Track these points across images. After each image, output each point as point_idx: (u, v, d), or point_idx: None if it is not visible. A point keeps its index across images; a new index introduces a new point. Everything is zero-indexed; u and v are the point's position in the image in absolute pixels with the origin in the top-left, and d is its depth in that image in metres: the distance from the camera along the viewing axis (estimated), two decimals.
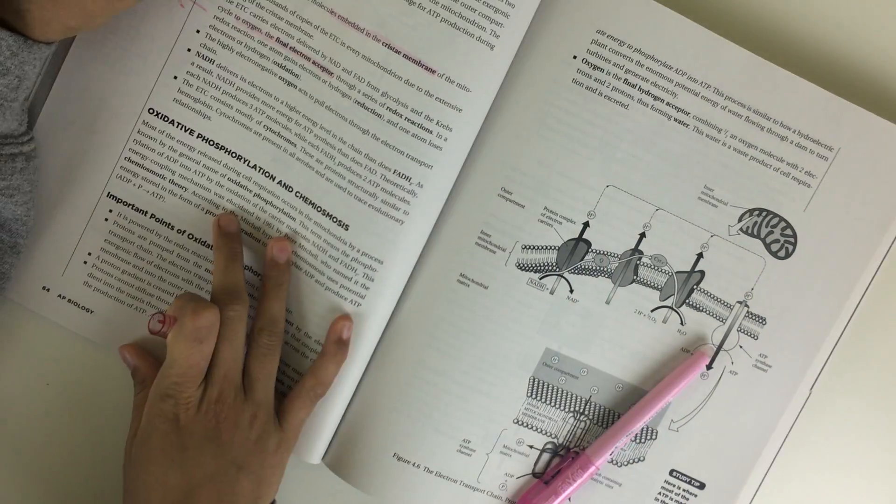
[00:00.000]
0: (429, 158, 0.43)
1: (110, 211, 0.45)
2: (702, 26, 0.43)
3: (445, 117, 0.42)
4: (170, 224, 0.45)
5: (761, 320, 0.46)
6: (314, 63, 0.43)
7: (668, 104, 0.43)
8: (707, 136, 0.44)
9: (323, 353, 0.43)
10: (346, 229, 0.43)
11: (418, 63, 0.42)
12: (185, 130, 0.44)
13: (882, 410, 0.48)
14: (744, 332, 0.46)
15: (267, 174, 0.44)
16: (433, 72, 0.42)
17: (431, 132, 0.42)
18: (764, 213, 0.45)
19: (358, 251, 0.44)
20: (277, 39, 0.43)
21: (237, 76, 0.43)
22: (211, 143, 0.44)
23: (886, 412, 0.48)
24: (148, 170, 0.45)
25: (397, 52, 0.42)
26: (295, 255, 0.44)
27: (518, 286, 0.45)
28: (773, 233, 0.45)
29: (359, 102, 0.42)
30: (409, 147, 0.42)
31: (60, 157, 0.44)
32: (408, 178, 0.43)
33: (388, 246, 0.43)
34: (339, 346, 0.43)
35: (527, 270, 0.45)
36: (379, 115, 0.42)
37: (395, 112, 0.42)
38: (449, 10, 0.41)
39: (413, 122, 0.42)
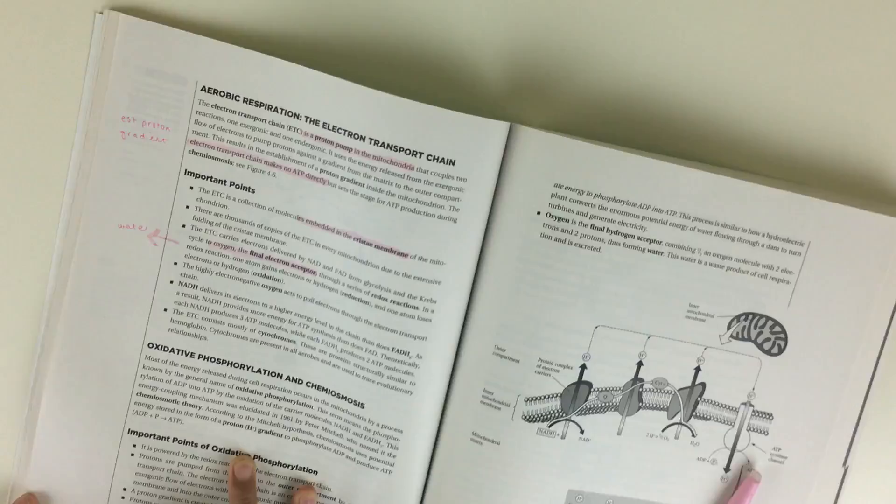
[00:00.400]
0: (421, 332, 0.44)
1: (134, 445, 0.47)
2: (653, 158, 0.44)
3: (427, 292, 0.44)
4: (192, 442, 0.47)
5: (768, 416, 0.47)
6: (293, 266, 0.44)
7: (639, 238, 0.44)
8: (682, 258, 0.45)
9: None
10: (363, 407, 0.46)
11: (390, 250, 0.43)
12: (186, 354, 0.46)
13: None
14: (754, 430, 0.47)
15: (273, 374, 0.46)
16: (405, 255, 0.43)
17: (417, 308, 0.44)
18: (751, 317, 0.46)
19: (378, 425, 0.46)
20: (252, 252, 0.44)
21: (222, 294, 0.45)
22: (212, 360, 0.46)
23: None
24: (160, 399, 0.46)
25: (369, 244, 0.44)
26: (322, 437, 0.46)
27: (529, 437, 0.45)
28: (762, 333, 0.46)
29: (345, 294, 0.44)
30: (401, 325, 0.44)
31: (79, 408, 0.46)
32: (406, 353, 0.44)
33: (403, 416, 0.45)
34: None
35: (534, 421, 0.45)
36: (366, 303, 0.44)
37: (380, 297, 0.44)
38: (406, 198, 0.43)
39: (398, 303, 0.44)
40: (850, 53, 0.46)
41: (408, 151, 0.42)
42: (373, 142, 0.43)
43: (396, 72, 0.45)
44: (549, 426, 0.46)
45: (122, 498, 0.47)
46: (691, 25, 0.45)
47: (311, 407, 0.46)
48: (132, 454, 0.47)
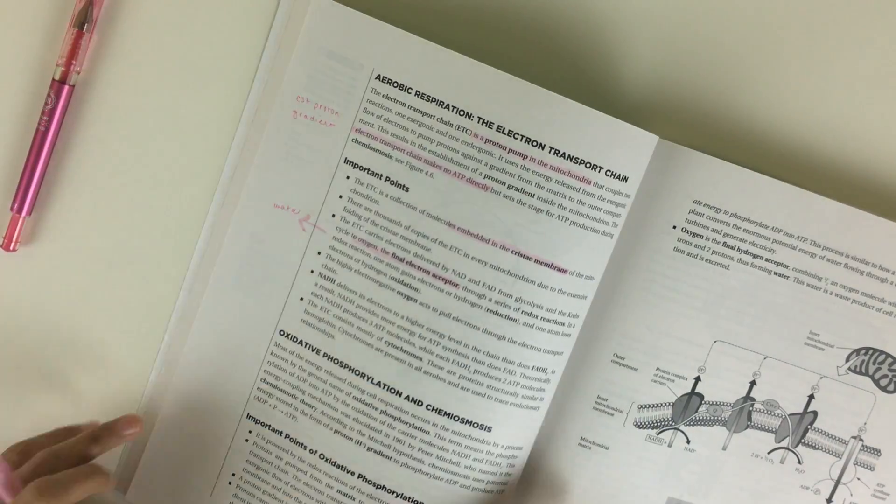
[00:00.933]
0: (561, 347, 0.45)
1: (250, 432, 0.47)
2: (792, 185, 0.44)
3: (576, 308, 0.44)
4: (302, 444, 0.46)
5: (876, 452, 0.47)
6: (434, 276, 0.43)
7: (767, 260, 0.45)
8: (808, 285, 0.45)
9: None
10: (489, 431, 0.45)
11: (550, 265, 0.43)
12: (313, 350, 0.45)
13: None
14: (860, 465, 0.47)
15: (392, 390, 0.44)
16: (565, 271, 0.43)
17: (563, 324, 0.44)
18: (871, 352, 0.46)
19: (503, 447, 0.45)
20: (393, 255, 0.43)
21: (356, 293, 0.44)
22: (336, 361, 0.45)
23: None
24: (281, 390, 0.46)
25: (528, 258, 0.43)
26: (434, 467, 0.45)
27: (637, 443, 0.47)
28: (880, 369, 0.46)
29: (490, 310, 0.43)
30: (546, 343, 0.44)
31: (206, 382, 0.47)
32: (544, 370, 0.44)
33: (527, 433, 0.46)
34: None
35: (645, 428, 0.47)
36: (514, 320, 0.43)
37: (530, 314, 0.43)
38: (577, 213, 0.42)
39: (548, 320, 0.43)
40: None
41: (588, 164, 0.43)
42: (553, 151, 0.42)
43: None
44: (658, 433, 0.47)
45: (230, 484, 0.47)
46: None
47: (427, 433, 0.44)
48: (247, 440, 0.46)
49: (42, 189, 0.48)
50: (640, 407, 0.46)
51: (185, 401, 0.47)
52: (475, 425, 0.44)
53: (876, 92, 0.46)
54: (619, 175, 0.43)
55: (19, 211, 0.47)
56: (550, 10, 0.45)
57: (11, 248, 0.47)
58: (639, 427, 0.47)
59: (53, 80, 0.47)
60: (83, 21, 0.45)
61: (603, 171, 0.42)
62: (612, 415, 0.46)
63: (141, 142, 0.47)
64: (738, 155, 0.46)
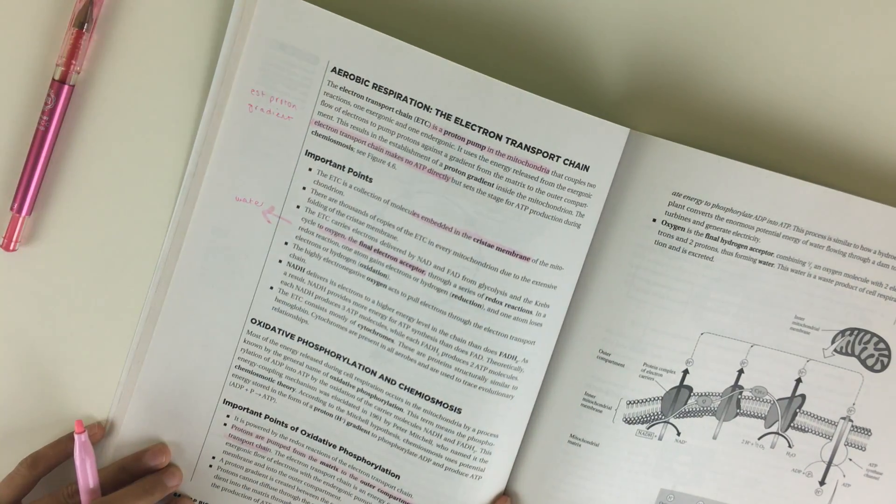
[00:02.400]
0: (531, 336, 0.44)
1: (227, 416, 0.48)
2: (772, 171, 0.44)
3: (543, 296, 0.44)
4: (283, 422, 0.47)
5: (867, 432, 0.47)
6: (402, 262, 0.44)
7: (751, 249, 0.45)
8: (792, 270, 0.45)
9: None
10: (459, 412, 0.45)
11: (512, 253, 0.44)
12: (286, 335, 0.46)
13: None
14: (851, 446, 0.47)
15: (368, 370, 0.46)
16: (527, 259, 0.44)
17: (531, 312, 0.44)
18: (856, 332, 0.46)
19: (474, 430, 0.45)
20: (361, 243, 0.45)
21: (327, 280, 0.45)
22: (311, 344, 0.46)
23: None
24: (257, 374, 0.47)
25: (490, 245, 0.44)
26: (408, 442, 0.46)
27: (627, 438, 0.46)
28: (866, 349, 0.46)
29: (455, 296, 0.44)
30: (512, 329, 0.44)
31: (179, 372, 0.47)
32: (514, 358, 0.45)
33: (501, 420, 0.45)
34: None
35: (634, 423, 0.46)
36: (479, 306, 0.44)
37: (494, 301, 0.44)
38: (537, 201, 0.43)
39: (513, 307, 0.44)
40: None
41: (545, 154, 0.43)
42: (510, 141, 0.43)
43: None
44: (648, 428, 0.46)
45: (210, 466, 0.48)
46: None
47: (401, 410, 0.46)
48: (225, 423, 0.47)
49: (42, 189, 0.47)
50: (629, 403, 0.46)
51: (156, 393, 0.47)
52: (445, 405, 0.45)
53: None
54: (579, 164, 0.42)
55: (19, 211, 0.47)
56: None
57: (11, 248, 0.47)
58: (628, 423, 0.46)
59: (53, 79, 0.46)
60: (83, 21, 0.45)
61: (561, 160, 0.42)
62: (601, 411, 0.46)
63: (139, 141, 0.46)
64: (717, 144, 0.46)
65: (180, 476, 0.47)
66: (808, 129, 0.45)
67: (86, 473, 0.44)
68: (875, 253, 0.45)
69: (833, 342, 0.46)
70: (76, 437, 0.44)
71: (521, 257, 0.43)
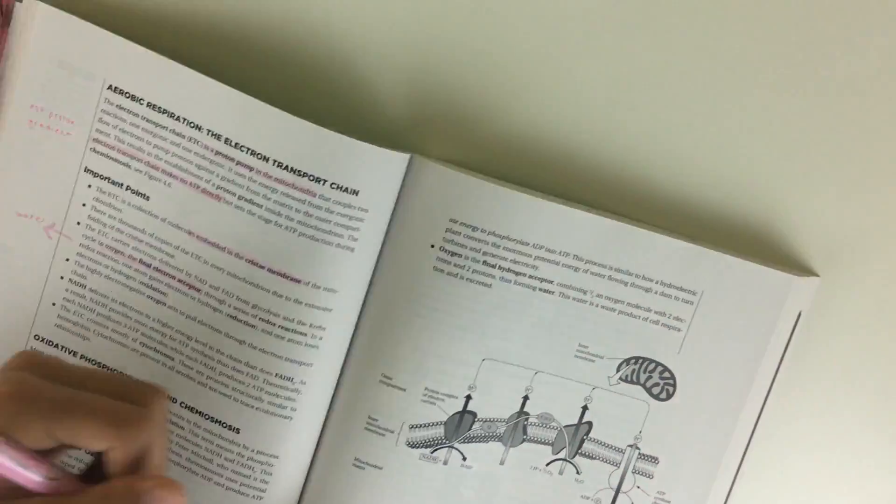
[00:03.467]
0: (307, 358, 0.44)
1: None
2: (549, 201, 0.44)
3: (317, 319, 0.44)
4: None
5: (653, 460, 0.47)
6: (179, 281, 0.44)
7: (530, 277, 0.45)
8: (574, 299, 0.45)
9: None
10: (238, 433, 0.45)
11: (283, 275, 0.44)
12: (69, 353, 0.46)
13: None
14: (639, 473, 0.48)
15: None
16: (298, 281, 0.44)
17: (306, 335, 0.44)
18: (640, 361, 0.46)
19: (252, 451, 0.45)
20: (141, 261, 0.45)
21: (108, 298, 0.45)
22: (93, 362, 0.46)
23: None
24: None
25: (261, 266, 0.44)
26: (190, 461, 0.46)
27: (411, 462, 0.46)
28: (651, 377, 0.47)
29: (231, 315, 0.44)
30: (287, 351, 0.44)
31: None
32: (290, 379, 0.45)
33: (281, 442, 0.45)
34: None
35: (417, 447, 0.46)
36: (253, 326, 0.44)
37: (267, 322, 0.44)
38: (305, 224, 0.43)
39: (286, 329, 0.44)
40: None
41: (312, 178, 0.43)
42: (276, 164, 0.43)
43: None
44: (432, 452, 0.47)
45: None
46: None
47: (182, 428, 0.46)
48: None
49: None
50: (412, 427, 0.46)
51: None
52: (224, 425, 0.45)
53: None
54: (347, 188, 0.43)
55: None
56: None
57: None
58: (411, 446, 0.46)
59: None
60: None
61: (327, 184, 0.42)
62: (384, 435, 0.46)
63: None
64: (501, 172, 0.46)
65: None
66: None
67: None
68: (657, 283, 0.46)
69: (618, 370, 0.46)
70: None
71: (292, 279, 0.43)
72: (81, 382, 0.32)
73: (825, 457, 0.50)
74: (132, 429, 0.30)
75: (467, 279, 0.45)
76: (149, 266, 0.45)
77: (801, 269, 0.47)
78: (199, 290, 0.45)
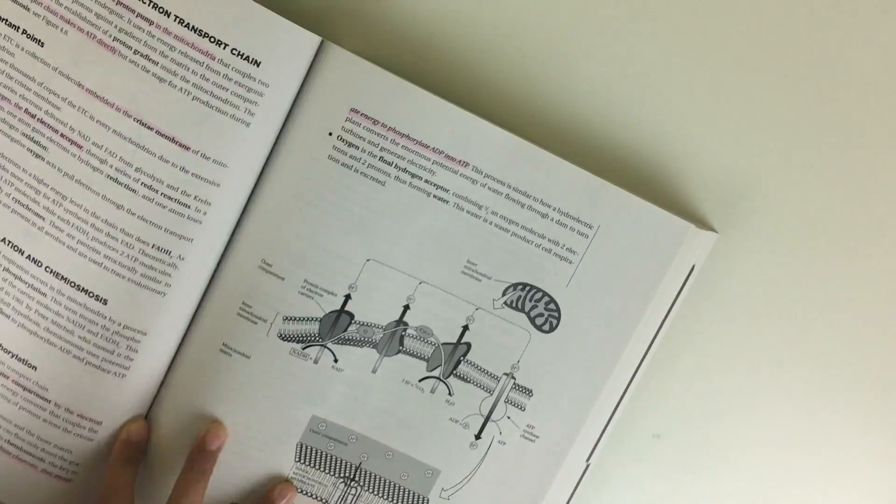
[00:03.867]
0: (188, 232, 0.43)
1: None
2: (458, 107, 0.43)
3: (203, 192, 0.43)
4: None
5: (528, 392, 0.46)
6: (62, 136, 0.43)
7: (426, 181, 0.44)
8: (468, 212, 0.45)
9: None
10: (105, 304, 0.44)
11: (172, 139, 0.42)
12: None
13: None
14: (511, 404, 0.47)
15: (16, 248, 0.44)
16: (187, 148, 0.42)
17: (189, 207, 0.43)
18: (528, 288, 0.46)
19: (119, 325, 0.44)
20: (26, 111, 0.43)
21: None
22: None
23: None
24: None
25: (150, 128, 0.42)
26: (49, 332, 0.44)
27: (281, 356, 0.45)
28: (536, 307, 0.46)
29: (111, 177, 0.43)
30: (167, 222, 0.43)
31: None
32: (167, 252, 0.43)
33: (152, 318, 0.44)
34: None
35: (289, 341, 0.45)
36: (133, 191, 0.43)
37: (150, 188, 0.43)
38: (201, 88, 0.42)
39: (170, 198, 0.43)
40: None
41: (213, 39, 0.42)
42: (178, 20, 0.42)
43: None
44: (304, 348, 0.45)
45: None
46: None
47: (45, 295, 0.43)
48: None
49: None
50: (286, 318, 0.45)
51: None
52: (90, 294, 0.44)
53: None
54: (248, 57, 0.42)
55: None
56: None
57: None
58: (283, 339, 0.45)
59: None
60: None
61: (228, 49, 0.41)
62: (256, 323, 0.45)
63: None
64: (413, 71, 0.45)
65: (225, 433, 0.45)
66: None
67: None
68: (555, 210, 0.45)
69: (504, 294, 0.46)
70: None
71: (181, 145, 0.42)
72: None
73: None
74: None
75: (361, 173, 0.44)
76: (33, 116, 0.43)
77: (701, 223, 0.47)
78: (81, 147, 0.43)
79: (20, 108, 0.43)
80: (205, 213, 0.43)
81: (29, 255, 0.43)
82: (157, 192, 0.43)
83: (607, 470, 0.49)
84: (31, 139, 0.43)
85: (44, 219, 0.43)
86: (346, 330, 0.46)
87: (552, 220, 0.45)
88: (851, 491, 0.49)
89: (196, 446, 0.45)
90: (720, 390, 0.49)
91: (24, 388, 0.45)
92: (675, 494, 0.50)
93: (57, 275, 0.44)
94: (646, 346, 0.47)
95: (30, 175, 0.43)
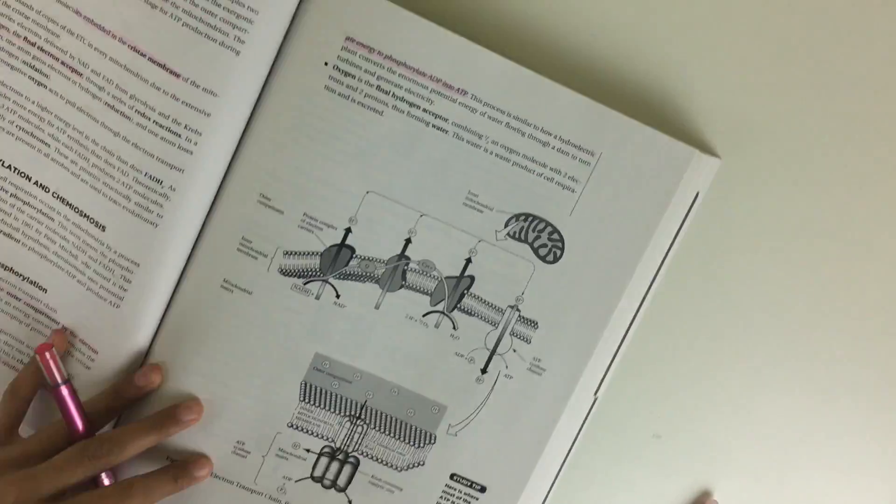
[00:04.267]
0: (179, 162, 0.43)
1: None
2: (456, 34, 0.43)
3: (194, 122, 0.42)
4: None
5: (533, 324, 0.46)
6: (63, 63, 0.43)
7: (424, 111, 0.44)
8: (468, 142, 0.44)
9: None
10: (103, 230, 0.44)
11: (163, 67, 0.42)
12: None
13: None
14: (517, 336, 0.46)
15: (22, 174, 0.44)
16: (178, 76, 0.42)
17: (180, 136, 0.43)
18: (530, 219, 0.45)
19: (115, 252, 0.44)
20: (25, 39, 0.43)
21: None
22: None
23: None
24: None
25: (143, 55, 0.42)
26: (57, 255, 0.45)
27: (282, 291, 0.45)
28: (540, 237, 0.45)
29: (108, 104, 0.43)
30: (159, 150, 0.43)
31: None
32: (159, 182, 0.43)
33: (144, 249, 0.44)
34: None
35: (290, 276, 0.45)
36: (128, 118, 0.43)
37: (143, 115, 0.43)
38: (190, 14, 0.41)
39: (161, 126, 0.43)
40: None
41: None
42: None
43: None
44: (305, 284, 0.45)
45: None
46: None
47: (52, 220, 0.44)
48: None
49: None
50: (286, 253, 0.45)
51: None
52: (91, 220, 0.44)
53: None
54: None
55: None
56: None
57: None
58: (284, 274, 0.45)
59: None
60: None
61: None
62: (256, 258, 0.45)
63: None
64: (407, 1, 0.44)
65: (200, 411, 0.45)
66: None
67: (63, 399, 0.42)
68: (556, 138, 0.44)
69: (507, 225, 0.45)
70: (36, 357, 0.43)
71: (172, 72, 0.42)
72: None
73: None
74: None
75: (359, 103, 0.44)
76: (33, 45, 0.43)
77: (704, 149, 0.46)
78: (80, 75, 0.43)
79: (19, 36, 0.43)
80: (195, 144, 0.43)
81: (37, 182, 0.44)
82: (149, 119, 0.43)
83: (607, 470, 0.49)
84: (33, 67, 0.43)
85: (49, 146, 0.44)
86: (347, 264, 0.45)
87: (553, 148, 0.44)
88: (851, 491, 0.48)
89: (169, 409, 0.44)
90: (720, 390, 0.48)
91: (36, 310, 0.46)
92: (675, 494, 0.49)
93: (63, 200, 0.44)
94: (652, 275, 0.46)
95: (33, 103, 0.44)
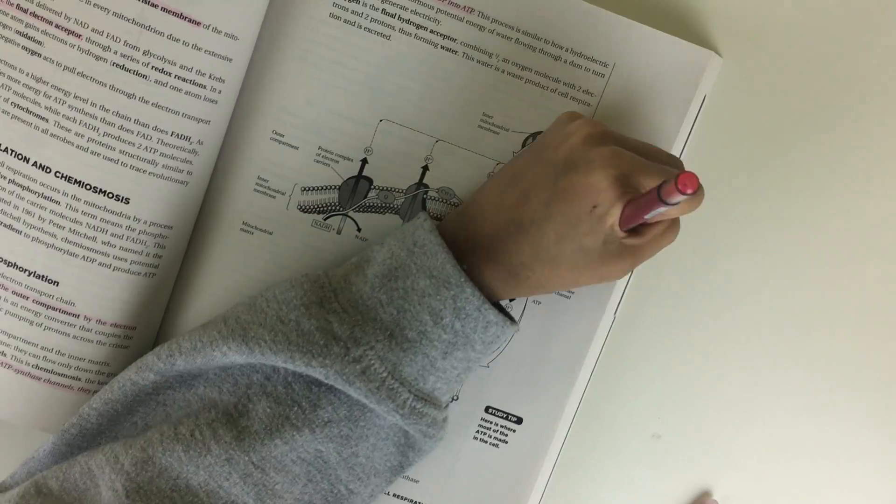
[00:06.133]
0: (205, 114, 0.42)
1: None
2: None
3: (218, 69, 0.41)
4: None
5: None
6: (57, 26, 0.39)
7: (431, 32, 0.43)
8: (478, 61, 0.43)
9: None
10: (127, 203, 0.42)
11: (180, 16, 0.40)
12: None
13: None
14: None
15: (19, 156, 0.41)
16: (199, 24, 0.40)
17: (205, 87, 0.41)
18: None
19: (145, 223, 0.42)
20: (18, 6, 0.40)
21: None
22: None
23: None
24: None
25: (154, 5, 0.40)
26: (68, 241, 0.41)
27: (303, 229, 0.44)
28: None
29: (117, 65, 0.40)
30: (184, 106, 0.41)
31: None
32: (187, 139, 0.42)
33: (177, 210, 0.43)
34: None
35: (310, 212, 0.44)
36: (144, 76, 0.40)
37: (162, 71, 0.40)
38: None
39: (184, 80, 0.41)
40: None
41: None
42: None
43: None
44: (325, 219, 0.44)
45: None
46: None
47: (58, 203, 0.41)
48: None
49: None
50: (304, 189, 0.44)
51: None
52: (110, 195, 0.41)
53: None
54: None
55: None
56: None
57: None
58: (303, 211, 0.44)
59: None
60: None
61: None
62: (274, 197, 0.44)
63: None
64: None
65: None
66: None
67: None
68: (567, 51, 0.43)
69: (524, 145, 0.44)
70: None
71: (192, 21, 0.41)
72: (643, 152, 0.38)
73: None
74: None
75: (365, 28, 0.43)
76: (25, 11, 0.40)
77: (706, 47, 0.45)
78: (79, 37, 0.40)
79: (11, 3, 0.40)
80: (219, 92, 0.42)
81: (36, 162, 0.41)
82: (169, 74, 0.41)
83: (607, 470, 0.48)
84: (25, 35, 0.40)
85: (47, 120, 0.40)
86: (366, 196, 0.44)
87: (566, 61, 0.44)
88: (852, 491, 0.47)
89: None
90: (720, 390, 0.47)
91: (48, 307, 0.42)
92: (675, 494, 0.48)
93: (69, 179, 0.41)
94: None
95: (26, 75, 0.40)
